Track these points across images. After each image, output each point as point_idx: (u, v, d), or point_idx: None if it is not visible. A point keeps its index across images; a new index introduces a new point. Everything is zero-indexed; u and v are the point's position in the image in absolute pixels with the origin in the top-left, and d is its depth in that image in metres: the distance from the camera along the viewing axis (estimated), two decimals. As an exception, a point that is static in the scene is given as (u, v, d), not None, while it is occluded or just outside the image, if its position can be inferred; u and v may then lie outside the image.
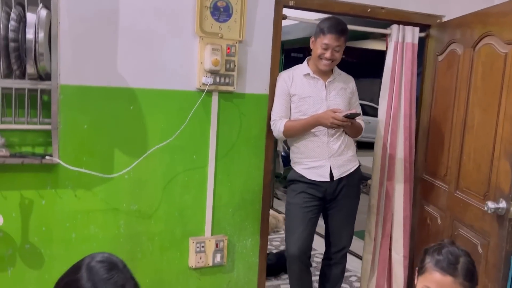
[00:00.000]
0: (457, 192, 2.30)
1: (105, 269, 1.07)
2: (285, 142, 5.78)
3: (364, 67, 10.13)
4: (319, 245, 3.86)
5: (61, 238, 2.08)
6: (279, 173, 5.45)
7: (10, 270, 2.01)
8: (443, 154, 2.47)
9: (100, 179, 2.10)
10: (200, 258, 2.36)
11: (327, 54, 2.21)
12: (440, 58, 2.59)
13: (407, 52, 2.60)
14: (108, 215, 2.15)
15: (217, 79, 2.25)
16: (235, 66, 2.27)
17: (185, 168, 2.30)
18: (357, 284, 3.22)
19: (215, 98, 2.30)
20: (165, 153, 2.23)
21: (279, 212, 4.53)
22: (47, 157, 1.93)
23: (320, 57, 2.23)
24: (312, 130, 2.27)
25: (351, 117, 2.16)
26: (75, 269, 1.10)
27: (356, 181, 2.40)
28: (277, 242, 4.05)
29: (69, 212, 2.08)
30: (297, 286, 2.38)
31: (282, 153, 5.60)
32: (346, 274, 2.65)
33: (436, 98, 2.61)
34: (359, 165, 2.41)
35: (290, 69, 2.39)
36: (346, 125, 2.20)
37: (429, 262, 1.41)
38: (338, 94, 2.32)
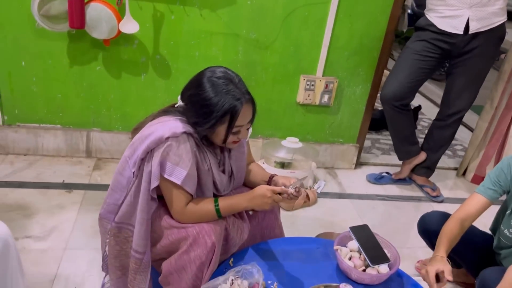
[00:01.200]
0: None
1: (224, 84, 1.21)
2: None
3: None
4: (429, 110, 3.70)
5: (186, 54, 2.25)
6: (400, 31, 5.00)
7: (143, 75, 2.28)
8: None
9: (224, 1, 2.13)
10: (308, 96, 2.43)
11: None
12: None
13: None
14: (229, 39, 2.24)
15: None
16: None
17: (307, 2, 2.22)
18: (461, 153, 3.13)
19: None
20: (289, -18, 2.16)
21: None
22: (178, -29, 1.98)
23: None
24: None
25: None
26: (197, 83, 1.24)
27: (496, 39, 2.12)
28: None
29: (195, 31, 2.20)
30: (391, 125, 2.39)
31: (409, 11, 5.07)
32: (452, 142, 2.55)
33: None
34: (505, 21, 2.09)
35: None
36: None
37: None
38: None
